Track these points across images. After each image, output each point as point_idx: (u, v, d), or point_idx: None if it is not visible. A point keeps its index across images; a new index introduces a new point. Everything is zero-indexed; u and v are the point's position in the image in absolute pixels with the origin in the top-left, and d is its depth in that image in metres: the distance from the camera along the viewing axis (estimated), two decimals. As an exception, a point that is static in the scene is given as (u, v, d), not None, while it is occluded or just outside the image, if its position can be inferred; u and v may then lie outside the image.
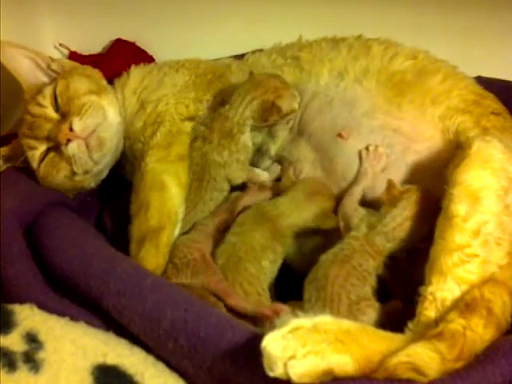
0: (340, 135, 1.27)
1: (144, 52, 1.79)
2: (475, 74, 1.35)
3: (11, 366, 0.90)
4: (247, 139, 1.33)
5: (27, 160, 1.32)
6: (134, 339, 1.02)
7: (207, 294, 1.14)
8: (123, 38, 1.79)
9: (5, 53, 1.35)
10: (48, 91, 1.32)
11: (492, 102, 1.28)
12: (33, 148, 1.31)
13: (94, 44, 1.82)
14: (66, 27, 1.83)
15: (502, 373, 0.85)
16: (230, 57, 1.58)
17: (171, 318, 0.97)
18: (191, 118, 1.36)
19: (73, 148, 1.27)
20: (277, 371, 0.80)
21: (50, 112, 1.30)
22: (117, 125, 1.36)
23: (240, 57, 1.54)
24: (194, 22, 1.78)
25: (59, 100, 1.30)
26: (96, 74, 1.44)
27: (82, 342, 0.99)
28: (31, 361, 0.92)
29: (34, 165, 1.31)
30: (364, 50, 1.34)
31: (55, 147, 1.29)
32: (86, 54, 1.80)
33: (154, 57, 1.78)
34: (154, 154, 1.30)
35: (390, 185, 1.18)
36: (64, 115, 1.29)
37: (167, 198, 1.25)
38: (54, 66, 1.40)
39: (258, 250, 1.18)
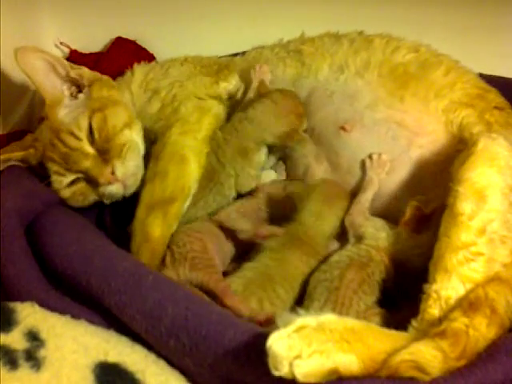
0: (343, 128, 1.27)
1: (145, 50, 1.79)
2: (476, 72, 1.35)
3: (12, 364, 0.90)
4: (262, 155, 1.34)
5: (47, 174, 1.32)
6: (136, 337, 1.02)
7: (202, 295, 1.14)
8: (124, 36, 1.79)
9: (22, 59, 1.30)
10: (83, 122, 1.30)
11: (495, 97, 1.29)
12: (61, 175, 1.30)
13: (95, 42, 1.81)
14: (67, 26, 1.82)
15: (504, 370, 0.85)
16: (231, 55, 1.58)
17: (172, 315, 0.97)
18: (216, 97, 1.38)
19: (112, 190, 1.30)
20: (282, 371, 0.80)
21: (87, 146, 1.29)
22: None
23: (241, 55, 1.54)
24: (194, 20, 1.78)
25: (96, 135, 1.29)
26: (118, 92, 1.42)
27: (84, 339, 0.99)
28: (32, 359, 0.92)
29: (57, 187, 1.31)
30: (365, 43, 1.34)
31: (88, 180, 1.30)
32: (87, 52, 1.80)
33: (155, 55, 1.78)
34: (179, 126, 1.32)
35: (415, 208, 1.17)
36: (101, 152, 1.29)
37: (185, 172, 1.28)
38: (73, 74, 1.36)
39: (298, 274, 1.16)
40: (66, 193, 1.31)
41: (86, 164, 1.28)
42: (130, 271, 1.07)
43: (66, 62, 1.36)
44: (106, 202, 1.34)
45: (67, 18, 1.82)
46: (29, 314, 1.00)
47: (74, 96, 1.36)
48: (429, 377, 0.83)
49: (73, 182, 1.31)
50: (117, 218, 1.42)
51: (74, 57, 1.78)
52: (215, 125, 1.35)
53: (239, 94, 1.43)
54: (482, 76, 1.34)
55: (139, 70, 1.47)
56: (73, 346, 0.97)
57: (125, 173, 1.30)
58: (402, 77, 1.28)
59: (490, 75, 1.36)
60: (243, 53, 1.53)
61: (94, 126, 1.30)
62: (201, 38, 1.76)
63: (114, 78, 1.49)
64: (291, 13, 1.70)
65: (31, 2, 1.75)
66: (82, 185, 1.31)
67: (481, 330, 0.88)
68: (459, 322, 0.88)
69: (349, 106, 1.29)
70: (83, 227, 1.25)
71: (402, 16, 1.62)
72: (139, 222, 1.24)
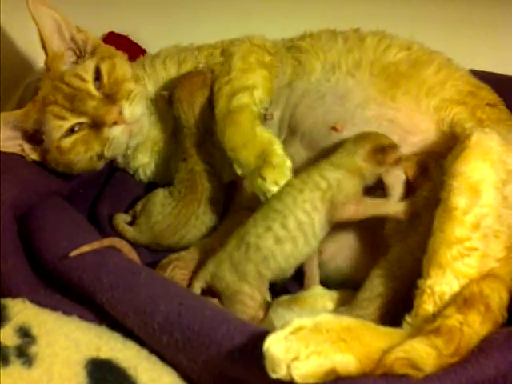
0: (335, 128, 1.26)
1: (137, 45, 1.78)
2: (468, 68, 1.34)
3: (4, 360, 0.90)
4: None
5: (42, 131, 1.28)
6: (128, 333, 1.02)
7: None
8: (116, 31, 1.78)
9: (34, 8, 1.27)
10: (90, 66, 1.28)
11: (488, 93, 1.28)
12: (62, 118, 1.26)
13: (87, 37, 1.80)
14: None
15: (496, 366, 0.85)
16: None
17: (165, 311, 0.97)
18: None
19: (117, 131, 1.27)
20: (280, 373, 0.80)
21: (92, 88, 1.27)
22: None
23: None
24: (186, 16, 1.78)
25: (105, 79, 1.27)
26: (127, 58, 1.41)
27: (75, 336, 0.98)
28: (24, 355, 0.92)
29: (57, 136, 1.26)
30: (358, 42, 1.33)
31: (92, 125, 1.26)
32: (79, 47, 1.79)
33: (147, 50, 1.78)
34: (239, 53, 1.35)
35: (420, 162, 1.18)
36: (107, 96, 1.27)
37: (260, 74, 1.31)
38: (78, 38, 1.33)
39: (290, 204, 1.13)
40: (64, 144, 1.27)
41: (93, 103, 1.25)
42: (121, 268, 1.07)
43: (72, 24, 1.33)
44: (107, 154, 1.29)
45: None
46: (20, 311, 1.00)
47: (75, 63, 1.33)
48: (422, 374, 0.82)
49: (73, 131, 1.27)
50: (113, 207, 1.41)
51: (66, 52, 1.78)
52: (270, 58, 1.36)
53: None
54: (473, 72, 1.34)
55: (149, 55, 1.50)
56: (64, 343, 0.96)
57: (132, 115, 1.28)
58: (393, 76, 1.27)
59: (482, 71, 1.35)
60: None
61: (104, 70, 1.28)
62: (193, 34, 1.74)
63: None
64: (283, 10, 1.70)
65: (21, -3, 1.74)
66: (84, 132, 1.27)
67: (475, 327, 0.88)
68: (453, 318, 0.88)
69: (340, 106, 1.28)
70: (75, 222, 1.24)
71: (397, 13, 1.62)
72: (222, 111, 1.27)
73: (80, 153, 1.28)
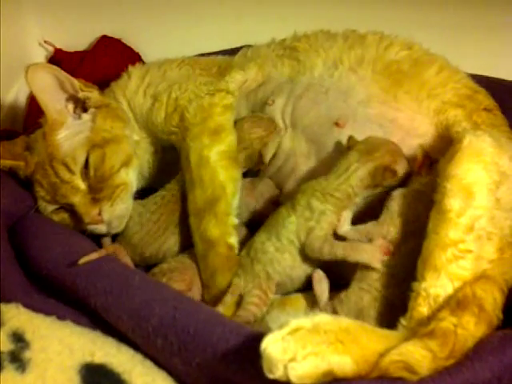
0: (337, 124, 1.26)
1: (130, 49, 1.78)
2: (466, 71, 1.35)
3: (-3, 365, 0.89)
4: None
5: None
6: (122, 337, 1.02)
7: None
8: (109, 34, 1.78)
9: (32, 75, 1.24)
10: (80, 156, 1.26)
11: (485, 98, 1.29)
12: (47, 201, 1.28)
13: (80, 41, 1.81)
14: (51, 24, 1.82)
15: (491, 369, 0.85)
16: (217, 52, 1.57)
17: (160, 315, 0.97)
18: (222, 90, 1.34)
19: (95, 229, 1.28)
20: (276, 373, 0.79)
21: (78, 181, 1.26)
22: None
23: (227, 52, 1.53)
24: (179, 19, 1.77)
25: (91, 172, 1.26)
26: (122, 124, 1.36)
27: (69, 341, 0.98)
28: (17, 360, 0.91)
29: (42, 211, 1.28)
30: (359, 39, 1.34)
31: (73, 212, 1.27)
32: (72, 50, 1.79)
33: (140, 53, 1.78)
34: (190, 133, 1.30)
35: (424, 153, 1.17)
36: (92, 189, 1.26)
37: (217, 170, 1.25)
38: (81, 95, 1.31)
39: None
40: (52, 216, 1.28)
41: (74, 200, 1.25)
42: (116, 272, 1.07)
43: (76, 83, 1.30)
44: (88, 232, 1.30)
45: (52, 17, 1.81)
46: (13, 316, 0.99)
47: (77, 114, 1.32)
48: (417, 377, 0.82)
49: (58, 209, 1.28)
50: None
51: (59, 55, 1.78)
52: (225, 114, 1.32)
53: (254, 85, 1.40)
54: (470, 76, 1.34)
55: (135, 74, 1.43)
56: (58, 348, 0.96)
57: (111, 216, 1.28)
58: (396, 74, 1.28)
59: (478, 75, 1.36)
60: (232, 50, 1.52)
61: (91, 163, 1.26)
62: (186, 37, 1.76)
63: (98, 76, 1.48)
64: (276, 11, 1.70)
65: (15, 0, 1.74)
66: (66, 215, 1.29)
67: (469, 329, 0.88)
68: (447, 321, 0.88)
69: (342, 102, 1.29)
70: (67, 229, 1.25)
71: (394, 15, 1.61)
72: (195, 232, 1.23)
73: (66, 225, 1.29)
